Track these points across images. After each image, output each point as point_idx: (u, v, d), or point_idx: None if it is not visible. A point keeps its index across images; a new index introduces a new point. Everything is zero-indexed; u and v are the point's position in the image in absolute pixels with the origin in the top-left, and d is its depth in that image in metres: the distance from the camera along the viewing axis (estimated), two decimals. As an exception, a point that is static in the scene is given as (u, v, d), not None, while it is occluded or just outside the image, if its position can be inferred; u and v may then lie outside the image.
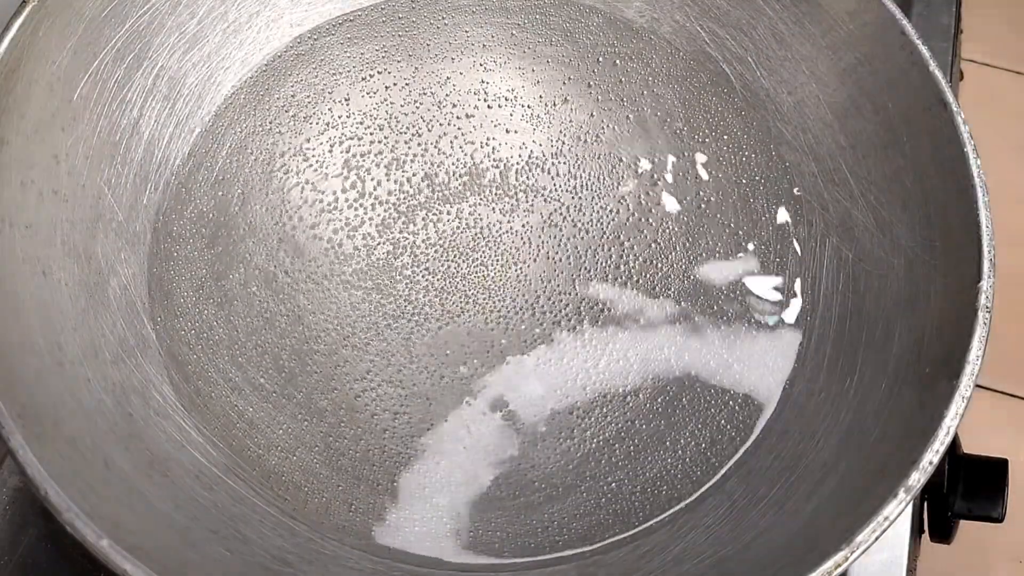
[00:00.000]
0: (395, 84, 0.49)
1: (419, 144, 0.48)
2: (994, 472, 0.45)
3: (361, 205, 0.47)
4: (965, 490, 0.45)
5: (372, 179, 0.47)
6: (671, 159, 0.48)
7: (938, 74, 0.42)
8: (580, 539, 0.39)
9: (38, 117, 0.40)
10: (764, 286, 0.45)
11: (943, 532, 0.46)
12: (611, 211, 0.47)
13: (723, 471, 0.41)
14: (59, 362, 0.37)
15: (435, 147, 0.48)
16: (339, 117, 0.48)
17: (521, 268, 0.46)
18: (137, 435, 0.38)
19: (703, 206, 0.47)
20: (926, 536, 0.47)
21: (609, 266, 0.46)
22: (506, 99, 0.49)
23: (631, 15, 0.50)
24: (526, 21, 0.50)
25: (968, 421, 0.36)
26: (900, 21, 0.43)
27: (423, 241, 0.46)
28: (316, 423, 0.42)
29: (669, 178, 0.47)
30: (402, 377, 0.43)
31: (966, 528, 0.46)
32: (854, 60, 0.45)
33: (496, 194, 0.47)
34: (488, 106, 0.49)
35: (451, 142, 0.48)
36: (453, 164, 0.48)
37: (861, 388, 0.40)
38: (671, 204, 0.47)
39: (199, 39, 0.47)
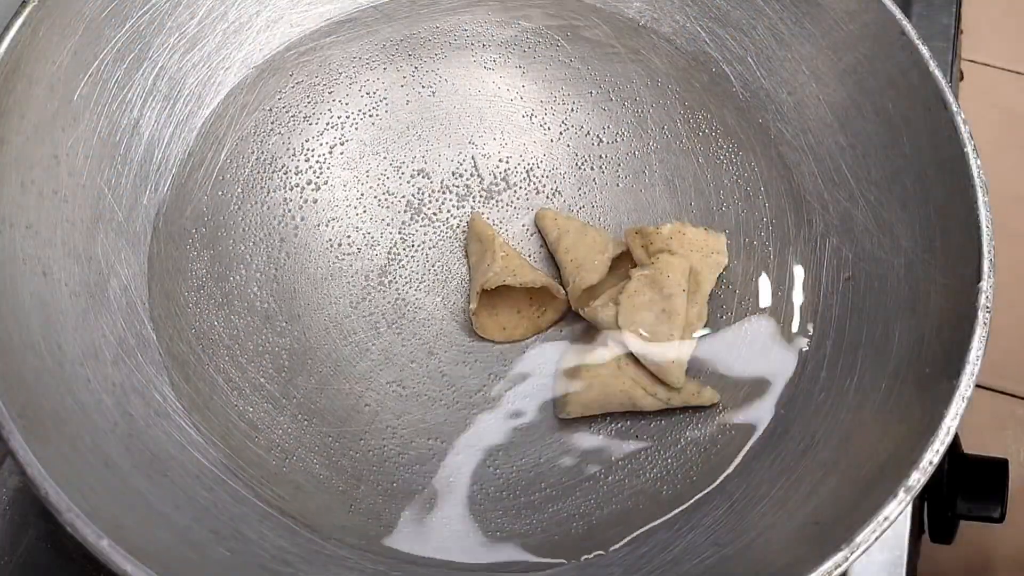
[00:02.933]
0: (395, 84, 0.49)
1: (419, 144, 0.48)
2: (994, 472, 0.45)
3: (361, 205, 0.47)
4: (965, 490, 0.45)
5: (372, 179, 0.47)
6: (672, 159, 0.48)
7: (938, 74, 0.42)
8: (580, 539, 0.39)
9: (38, 117, 0.40)
10: (764, 286, 0.45)
11: (944, 532, 0.46)
12: (610, 210, 0.47)
13: (723, 471, 0.40)
14: (59, 362, 0.37)
15: (435, 147, 0.48)
16: (339, 117, 0.48)
17: (521, 268, 0.46)
18: (137, 435, 0.38)
19: (703, 206, 0.47)
20: (926, 536, 0.47)
21: (609, 266, 0.46)
22: (506, 98, 0.49)
23: (631, 15, 0.50)
24: (526, 20, 0.50)
25: (968, 421, 0.36)
26: (900, 21, 0.43)
27: (423, 241, 0.46)
28: (316, 423, 0.41)
29: (670, 178, 0.47)
30: (403, 377, 0.43)
31: (966, 528, 0.46)
32: (854, 60, 0.45)
33: (496, 194, 0.47)
34: (488, 105, 0.49)
35: (451, 142, 0.48)
36: (453, 164, 0.48)
37: (861, 388, 0.40)
38: (672, 204, 0.47)
39: (199, 39, 0.47)
